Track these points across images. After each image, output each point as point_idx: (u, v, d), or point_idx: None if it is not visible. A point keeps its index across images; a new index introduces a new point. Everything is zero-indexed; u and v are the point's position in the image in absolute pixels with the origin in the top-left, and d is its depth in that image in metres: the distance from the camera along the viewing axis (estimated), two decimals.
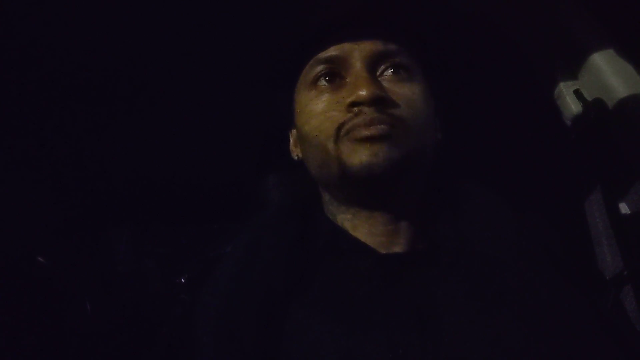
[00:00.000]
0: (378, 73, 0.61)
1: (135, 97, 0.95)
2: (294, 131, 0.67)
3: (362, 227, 0.60)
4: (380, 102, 0.57)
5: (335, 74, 0.61)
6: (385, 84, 0.59)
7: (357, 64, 0.60)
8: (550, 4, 0.83)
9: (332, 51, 0.61)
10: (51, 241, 0.96)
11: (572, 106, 0.82)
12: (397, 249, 0.59)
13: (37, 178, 0.99)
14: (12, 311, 0.77)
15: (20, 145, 0.96)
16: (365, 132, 0.56)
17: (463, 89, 0.83)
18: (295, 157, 0.67)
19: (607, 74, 0.78)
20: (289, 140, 0.69)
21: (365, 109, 0.57)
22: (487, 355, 0.50)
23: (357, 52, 0.60)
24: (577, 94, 0.82)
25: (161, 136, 1.01)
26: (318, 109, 0.60)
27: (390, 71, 0.61)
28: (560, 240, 0.64)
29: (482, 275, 0.55)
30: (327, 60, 0.61)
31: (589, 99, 0.80)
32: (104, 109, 0.96)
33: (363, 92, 0.56)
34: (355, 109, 0.57)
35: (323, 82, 0.61)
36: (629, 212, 0.77)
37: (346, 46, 0.61)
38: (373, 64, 0.60)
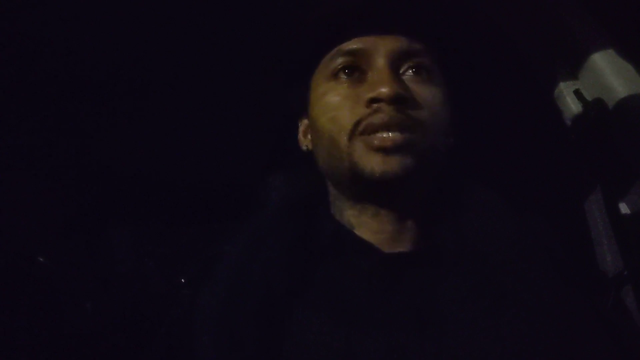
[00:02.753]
0: (400, 71, 0.60)
1: (135, 95, 0.95)
2: (305, 120, 0.66)
3: (368, 224, 0.60)
4: (402, 101, 0.56)
5: (356, 67, 0.60)
6: (407, 83, 0.58)
7: (381, 60, 0.58)
8: (550, 4, 0.83)
9: (355, 44, 0.60)
10: (51, 241, 0.96)
11: (572, 106, 0.82)
12: (401, 248, 0.59)
13: (37, 178, 0.99)
14: (12, 311, 0.77)
15: (21, 145, 0.96)
16: (381, 143, 0.55)
17: (470, 90, 0.83)
18: (304, 148, 0.66)
19: (607, 74, 0.78)
20: (298, 129, 0.67)
21: (385, 107, 0.56)
22: (488, 356, 0.50)
23: (381, 48, 0.59)
24: (577, 94, 0.82)
25: (161, 136, 1.01)
26: (335, 102, 0.59)
27: (412, 71, 0.60)
28: (560, 240, 0.64)
29: (483, 275, 0.55)
30: (350, 53, 0.60)
31: (589, 99, 0.80)
32: (104, 107, 0.96)
33: (385, 89, 0.55)
34: (375, 105, 0.56)
35: (343, 75, 0.60)
36: (629, 212, 0.77)
37: (370, 39, 0.59)
38: (396, 62, 0.59)
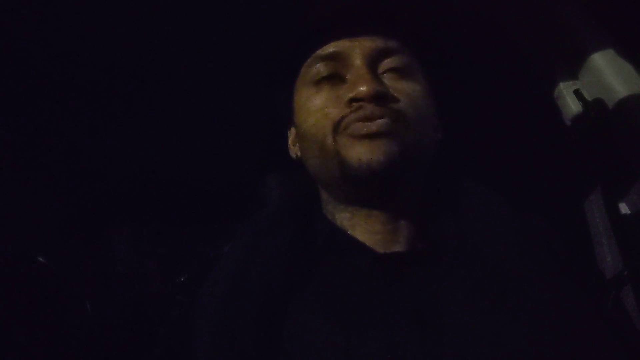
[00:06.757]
0: (378, 71, 0.60)
1: (135, 96, 0.95)
2: (292, 129, 0.67)
3: (361, 226, 0.60)
4: (381, 98, 0.56)
5: (335, 71, 0.60)
6: (385, 81, 0.59)
7: (358, 61, 0.59)
8: (550, 4, 0.83)
9: (331, 48, 0.60)
10: (51, 241, 0.96)
11: (572, 106, 0.82)
12: (397, 248, 0.59)
13: (37, 178, 0.99)
14: (12, 311, 0.77)
15: (21, 145, 0.96)
16: (365, 129, 0.55)
17: (463, 89, 0.83)
18: (294, 156, 0.67)
19: (607, 74, 0.78)
20: (288, 139, 0.69)
21: (366, 105, 0.56)
22: (488, 355, 0.50)
23: (357, 49, 0.59)
24: (577, 94, 0.82)
25: (161, 136, 1.01)
26: (317, 106, 0.59)
27: (390, 68, 0.60)
28: (560, 240, 0.64)
29: (483, 274, 0.55)
30: (327, 57, 0.61)
31: (589, 99, 0.80)
32: (103, 108, 0.96)
33: (363, 88, 0.56)
34: (355, 104, 0.57)
35: (323, 79, 0.61)
36: (629, 212, 0.77)
37: (346, 43, 0.60)
38: (373, 61, 0.60)
